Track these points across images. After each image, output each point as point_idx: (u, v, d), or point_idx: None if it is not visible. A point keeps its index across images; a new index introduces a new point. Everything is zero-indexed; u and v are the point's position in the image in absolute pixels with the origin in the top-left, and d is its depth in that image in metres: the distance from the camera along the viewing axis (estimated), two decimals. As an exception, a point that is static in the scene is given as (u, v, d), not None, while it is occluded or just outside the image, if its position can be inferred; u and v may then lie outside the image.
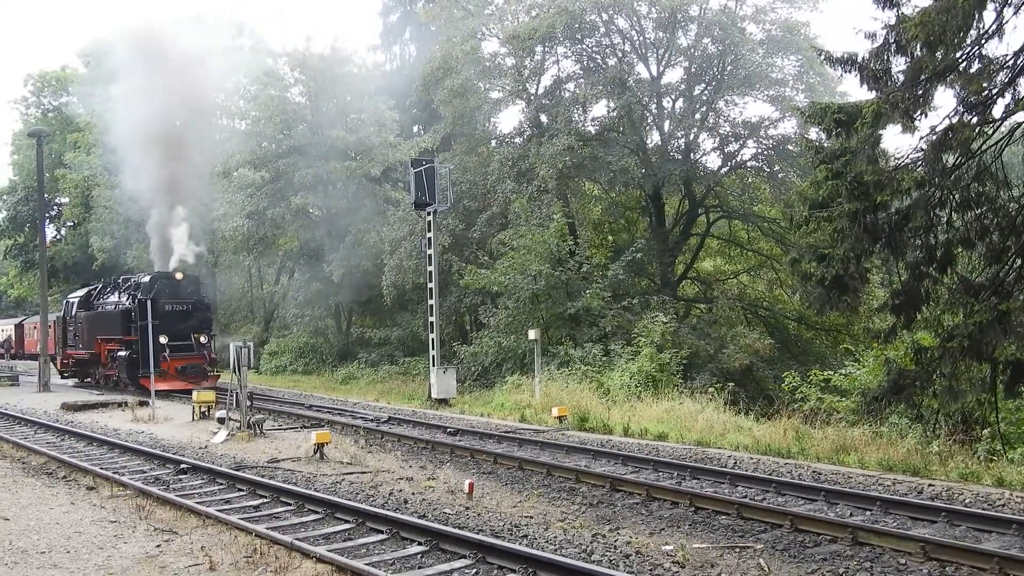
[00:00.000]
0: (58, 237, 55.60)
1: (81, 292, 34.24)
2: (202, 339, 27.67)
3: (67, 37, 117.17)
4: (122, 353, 27.76)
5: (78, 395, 27.12)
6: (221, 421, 17.55)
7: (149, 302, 23.97)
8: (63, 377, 34.23)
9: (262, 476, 12.53)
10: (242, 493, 11.58)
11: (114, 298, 30.30)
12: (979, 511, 9.93)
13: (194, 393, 20.80)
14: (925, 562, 8.32)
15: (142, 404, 21.89)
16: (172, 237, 29.28)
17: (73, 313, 32.99)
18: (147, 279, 28.51)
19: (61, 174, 47.34)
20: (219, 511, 10.21)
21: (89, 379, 32.01)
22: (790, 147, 29.03)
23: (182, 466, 13.21)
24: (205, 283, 32.51)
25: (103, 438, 16.64)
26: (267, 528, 9.35)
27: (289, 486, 11.53)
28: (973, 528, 9.41)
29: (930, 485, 11.48)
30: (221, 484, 12.18)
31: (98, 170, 45.08)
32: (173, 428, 18.88)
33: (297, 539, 8.82)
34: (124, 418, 20.63)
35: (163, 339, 25.32)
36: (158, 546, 8.90)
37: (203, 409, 19.97)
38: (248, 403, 17.54)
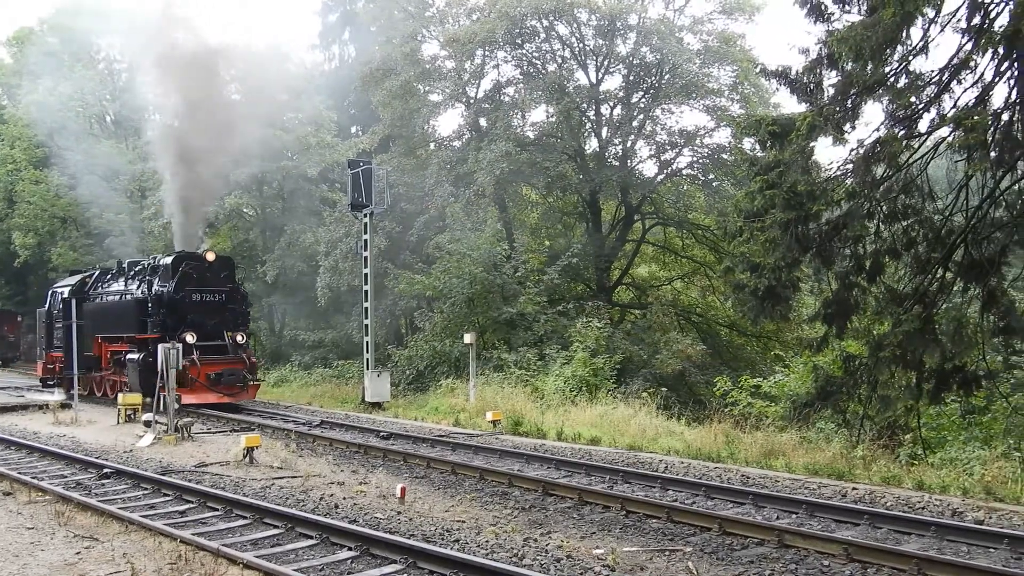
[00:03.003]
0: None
1: (72, 280, 27.94)
2: (238, 338, 22.83)
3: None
4: (133, 356, 22.34)
5: (-4, 397, 26.16)
6: (147, 424, 17.14)
7: (74, 302, 22.81)
8: (45, 386, 28.22)
9: (189, 481, 12.25)
10: (167, 498, 11.30)
11: (119, 286, 24.98)
12: (900, 513, 10.17)
13: (119, 396, 20.20)
14: (848, 564, 8.49)
15: (64, 407, 21.24)
16: (199, 204, 24.55)
17: (61, 307, 26.66)
18: (168, 260, 23.01)
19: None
20: (143, 517, 9.95)
21: (80, 388, 24.38)
22: (724, 156, 29.53)
23: (105, 471, 12.84)
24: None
25: (21, 441, 16.09)
26: (193, 534, 9.13)
27: (217, 491, 11.29)
28: (894, 530, 9.63)
29: (854, 488, 11.73)
30: (146, 489, 11.87)
31: (22, 164, 43.77)
32: (97, 431, 18.37)
33: (224, 545, 8.64)
34: (45, 421, 20.01)
35: (190, 338, 21.22)
36: (78, 553, 8.64)
37: (129, 412, 19.49)
38: (176, 406, 17.14)
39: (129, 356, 22.67)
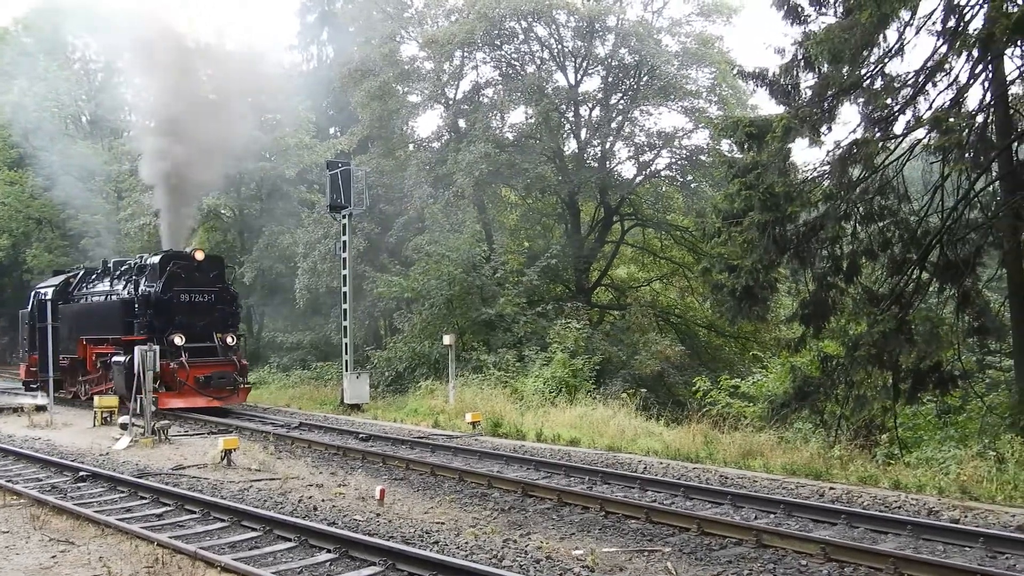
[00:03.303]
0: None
1: (56, 280, 27.29)
2: (228, 339, 22.15)
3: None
4: (119, 359, 21.23)
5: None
6: (124, 427, 16.97)
7: (50, 304, 22.45)
8: (28, 389, 27.50)
9: (166, 483, 12.15)
10: (144, 501, 11.20)
11: (105, 286, 24.22)
12: (877, 513, 10.24)
13: (96, 398, 19.96)
14: (825, 563, 8.54)
15: (39, 409, 21.00)
16: (188, 200, 23.84)
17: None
18: (156, 259, 22.25)
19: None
20: (119, 520, 9.85)
21: (64, 392, 25.05)
22: (703, 158, 29.68)
23: (81, 473, 12.71)
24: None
25: (-4, 444, 15.93)
26: (170, 537, 9.06)
27: (194, 493, 11.20)
28: (871, 529, 9.70)
29: (831, 488, 11.80)
30: (122, 492, 11.76)
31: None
32: (73, 434, 18.19)
33: (201, 548, 8.57)
34: (20, 424, 19.78)
35: (178, 340, 20.75)
36: (53, 557, 8.55)
37: (105, 415, 19.29)
38: (152, 408, 17.00)
39: (115, 359, 21.71)
